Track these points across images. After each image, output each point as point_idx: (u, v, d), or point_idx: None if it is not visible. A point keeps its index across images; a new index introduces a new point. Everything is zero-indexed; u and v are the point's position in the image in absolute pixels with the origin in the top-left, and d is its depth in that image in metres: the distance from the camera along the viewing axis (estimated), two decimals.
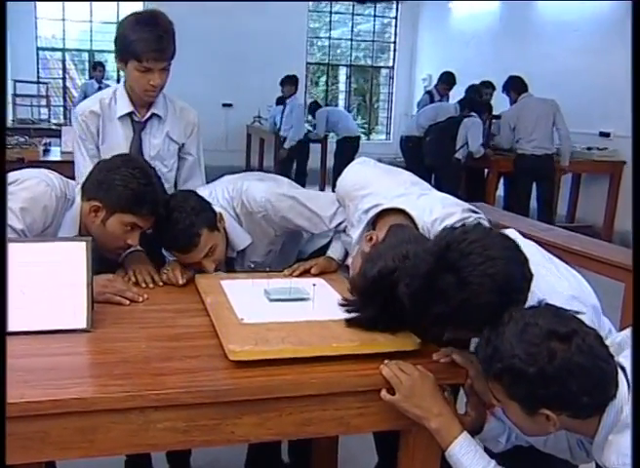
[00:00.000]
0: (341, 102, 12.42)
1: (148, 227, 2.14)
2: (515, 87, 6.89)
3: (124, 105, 2.49)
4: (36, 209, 2.00)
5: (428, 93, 8.36)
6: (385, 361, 1.56)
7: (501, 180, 7.52)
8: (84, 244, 1.79)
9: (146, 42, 2.30)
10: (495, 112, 7.50)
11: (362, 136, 10.83)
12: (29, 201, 1.99)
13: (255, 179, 2.45)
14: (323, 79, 12.70)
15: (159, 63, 2.35)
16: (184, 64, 11.05)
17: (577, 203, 8.00)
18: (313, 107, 9.64)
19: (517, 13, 9.25)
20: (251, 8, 10.81)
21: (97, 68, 9.92)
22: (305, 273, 2.19)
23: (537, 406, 1.30)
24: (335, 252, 2.29)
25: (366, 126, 12.68)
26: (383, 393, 1.54)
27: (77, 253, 1.78)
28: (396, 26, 12.09)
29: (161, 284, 2.16)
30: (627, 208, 5.25)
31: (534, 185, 6.91)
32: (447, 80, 8.24)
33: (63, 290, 1.75)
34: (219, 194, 2.35)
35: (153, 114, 2.52)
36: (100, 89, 9.61)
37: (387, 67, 12.21)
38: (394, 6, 12.07)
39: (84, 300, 1.76)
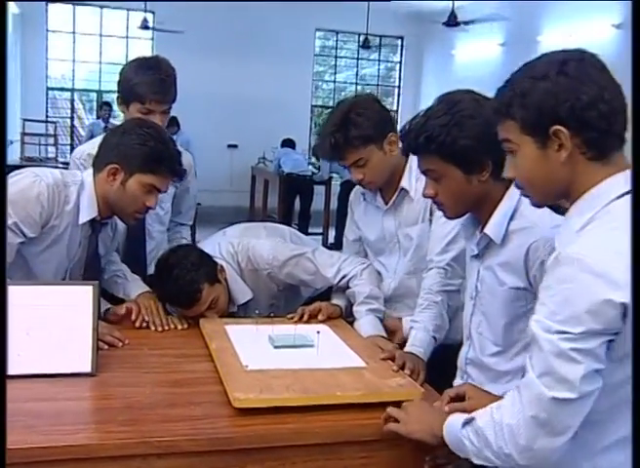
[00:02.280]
0: None
1: (165, 190, 2.14)
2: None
3: None
4: (28, 201, 1.95)
5: None
6: (384, 415, 1.55)
7: None
8: (90, 288, 1.80)
9: (149, 85, 2.35)
10: None
11: None
12: (17, 194, 1.93)
13: (259, 233, 2.48)
14: None
15: (161, 106, 2.39)
16: (191, 105, 11.24)
17: None
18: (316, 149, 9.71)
19: (520, 60, 9.31)
20: (258, 51, 11.01)
21: (103, 108, 10.05)
22: (311, 319, 2.19)
23: (550, 123, 1.22)
24: (338, 301, 2.30)
25: None
26: (386, 426, 1.52)
27: (83, 297, 1.79)
28: (400, 71, 12.28)
29: (167, 328, 2.17)
30: None
31: None
32: None
33: (69, 333, 1.76)
34: (222, 248, 2.36)
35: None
36: (106, 128, 9.74)
37: (392, 111, 12.34)
38: (399, 51, 12.28)
39: (89, 344, 1.76)
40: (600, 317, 1.11)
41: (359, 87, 12.55)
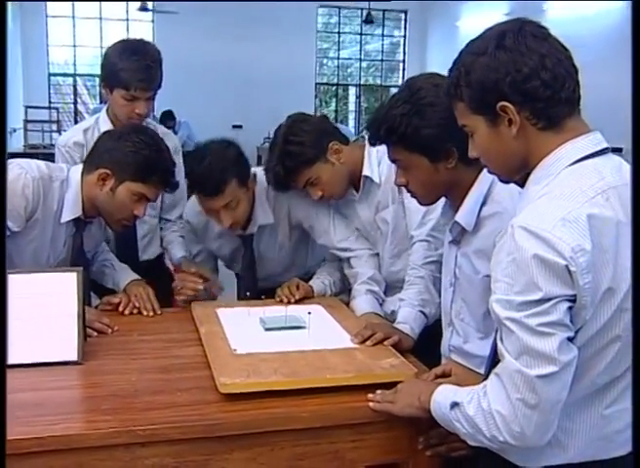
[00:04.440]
0: (351, 122, 12.43)
1: (155, 199, 2.13)
2: None
3: None
4: (13, 194, 1.90)
5: None
6: (369, 395, 1.51)
7: None
8: (75, 274, 1.76)
9: (134, 71, 2.27)
10: None
11: None
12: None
13: None
14: (350, 99, 12.76)
15: (146, 93, 2.32)
16: (194, 87, 11.22)
17: None
18: None
19: None
20: (260, 29, 10.89)
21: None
22: (304, 299, 2.16)
23: (495, 99, 1.20)
24: (319, 279, 2.30)
25: None
26: (372, 404, 1.49)
27: (68, 284, 1.75)
28: (405, 46, 12.12)
29: (159, 312, 2.14)
30: None
31: None
32: None
33: (54, 321, 1.72)
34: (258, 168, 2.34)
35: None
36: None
37: (397, 86, 12.21)
38: (402, 25, 12.11)
39: (75, 332, 1.72)
40: (554, 280, 1.09)
41: (364, 63, 12.41)
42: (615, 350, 1.17)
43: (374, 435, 1.52)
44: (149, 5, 10.09)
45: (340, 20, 11.79)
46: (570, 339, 1.12)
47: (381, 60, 12.22)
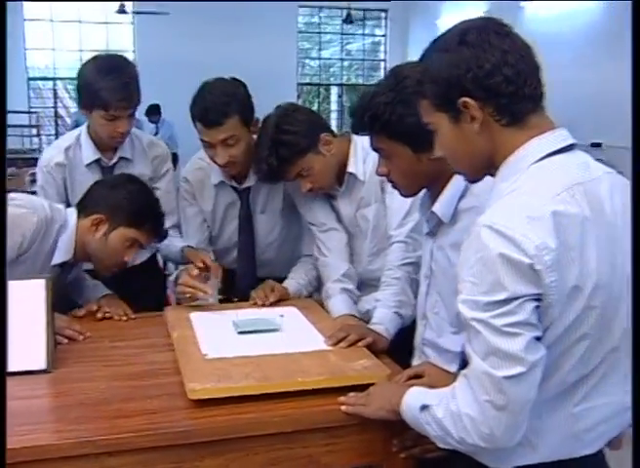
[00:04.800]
0: (334, 122, 12.42)
1: (146, 247, 2.14)
2: None
3: (90, 152, 2.41)
4: (12, 231, 1.86)
5: None
6: (341, 398, 1.49)
7: None
8: (43, 282, 1.74)
9: (113, 91, 2.21)
10: None
11: None
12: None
13: None
14: (332, 98, 12.74)
15: (126, 111, 2.27)
16: (175, 89, 11.05)
17: None
18: None
19: None
20: (241, 30, 10.86)
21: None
22: (279, 301, 2.14)
23: (458, 95, 1.18)
24: (294, 279, 2.28)
25: None
26: (344, 407, 1.47)
27: (37, 292, 1.73)
28: (386, 45, 12.12)
29: (133, 316, 2.11)
30: None
31: None
32: None
33: (23, 329, 1.69)
34: None
35: (121, 158, 2.45)
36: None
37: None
38: (383, 24, 12.12)
39: (44, 340, 1.70)
40: (520, 279, 1.07)
41: (346, 62, 12.40)
42: (583, 348, 1.15)
43: (347, 438, 1.50)
44: (127, 7, 10.01)
45: (320, 20, 11.78)
46: (538, 339, 1.11)
47: (362, 60, 12.22)
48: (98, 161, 2.43)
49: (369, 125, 1.59)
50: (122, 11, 9.66)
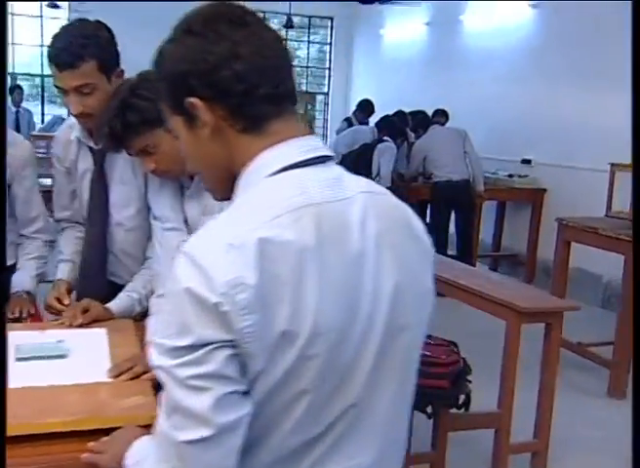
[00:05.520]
0: None
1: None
2: (422, 124, 6.92)
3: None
4: None
5: (347, 120, 8.11)
6: (90, 444, 1.28)
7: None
8: None
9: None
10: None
11: None
12: None
13: None
14: None
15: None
16: None
17: (502, 231, 7.88)
18: None
19: (444, 40, 9.19)
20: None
21: (15, 91, 9.52)
22: (93, 322, 1.92)
23: (182, 94, 0.99)
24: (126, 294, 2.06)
25: None
26: (83, 456, 1.26)
27: None
28: (330, 52, 11.98)
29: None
30: (549, 236, 5.14)
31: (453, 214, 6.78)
32: (365, 108, 8.02)
33: None
34: None
35: None
36: (17, 113, 9.25)
37: (323, 93, 12.08)
38: (328, 32, 11.98)
39: None
40: (207, 321, 0.87)
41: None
42: (303, 407, 0.93)
43: None
44: (63, 4, 9.68)
45: None
46: (245, 393, 0.90)
47: (307, 67, 12.06)
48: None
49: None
50: (54, 5, 9.33)
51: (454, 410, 3.09)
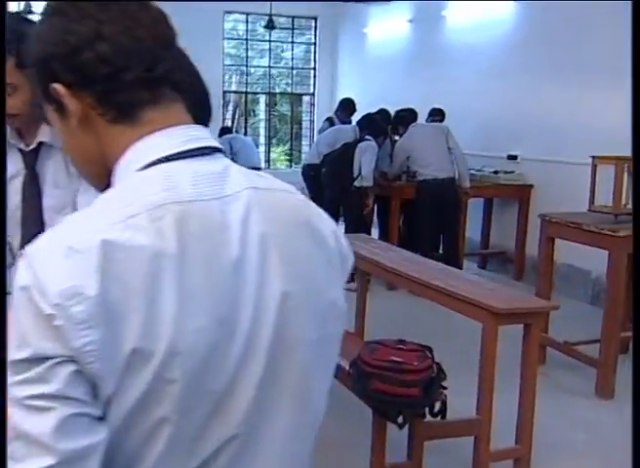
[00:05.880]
0: (262, 131, 12.11)
1: None
2: (403, 121, 6.78)
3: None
4: None
5: (329, 119, 7.96)
6: None
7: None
8: None
9: None
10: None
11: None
12: None
13: None
14: (261, 107, 12.48)
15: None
16: None
17: (490, 228, 7.76)
18: (221, 133, 9.22)
19: (427, 36, 9.09)
20: None
21: None
22: None
23: (47, 79, 0.88)
24: None
25: (289, 154, 12.39)
26: None
27: None
28: (315, 53, 11.87)
29: None
30: (536, 233, 5.03)
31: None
32: (346, 107, 7.88)
33: None
34: None
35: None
36: None
37: (309, 94, 11.95)
38: (313, 32, 11.87)
39: None
40: (45, 333, 0.74)
41: (277, 70, 12.11)
42: (164, 437, 0.80)
43: None
44: (31, 8, 9.56)
45: (247, 27, 11.45)
46: (100, 418, 0.77)
47: (292, 68, 11.93)
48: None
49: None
50: (29, 11, 9.22)
51: (430, 418, 2.97)
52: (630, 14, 2.83)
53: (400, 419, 2.75)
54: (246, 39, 11.58)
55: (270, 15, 9.67)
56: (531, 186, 7.11)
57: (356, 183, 6.46)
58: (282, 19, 11.44)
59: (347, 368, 2.98)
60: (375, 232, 7.49)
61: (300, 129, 12.11)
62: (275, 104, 12.84)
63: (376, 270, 4.07)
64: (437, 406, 2.95)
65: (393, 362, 2.78)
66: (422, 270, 3.69)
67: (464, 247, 7.46)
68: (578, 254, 5.68)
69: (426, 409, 2.91)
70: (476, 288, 3.36)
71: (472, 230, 7.69)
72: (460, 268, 6.75)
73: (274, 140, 12.53)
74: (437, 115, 7.21)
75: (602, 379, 4.16)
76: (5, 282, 1.31)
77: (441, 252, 6.80)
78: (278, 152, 13.03)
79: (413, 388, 2.67)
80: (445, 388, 2.95)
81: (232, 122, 13.34)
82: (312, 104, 11.89)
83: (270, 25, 9.55)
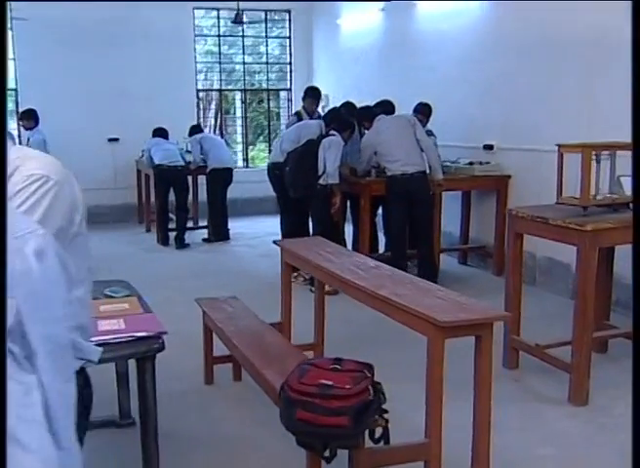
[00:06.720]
0: (239, 129, 11.78)
1: None
2: (366, 117, 6.43)
3: None
4: None
5: (296, 114, 7.54)
6: None
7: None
8: None
9: None
10: None
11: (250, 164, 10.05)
12: None
13: None
14: (237, 104, 12.15)
15: None
16: (64, 100, 10.39)
17: (469, 222, 7.46)
18: (191, 132, 8.91)
19: (400, 25, 8.76)
20: (132, 36, 10.20)
21: None
22: None
23: None
24: None
25: (269, 151, 12.07)
26: None
27: None
28: (291, 47, 11.54)
29: None
30: None
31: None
32: (312, 96, 7.46)
33: None
34: None
35: None
36: None
37: (285, 89, 11.62)
38: (287, 26, 11.54)
39: None
40: None
41: (247, 66, 11.77)
42: None
43: None
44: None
45: (219, 23, 11.11)
46: None
47: (267, 63, 11.59)
48: None
49: None
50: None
51: (372, 445, 2.69)
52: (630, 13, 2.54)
53: (327, 453, 2.45)
54: (218, 36, 11.24)
55: (238, 10, 9.34)
56: (508, 177, 6.80)
57: (321, 181, 6.15)
58: (255, 14, 11.14)
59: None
60: (349, 229, 7.21)
61: (279, 125, 11.78)
62: (252, 102, 12.53)
63: (323, 276, 3.78)
64: (378, 431, 2.67)
65: (322, 386, 2.48)
66: (370, 277, 3.40)
67: (443, 242, 7.17)
68: (557, 247, 5.38)
69: (366, 436, 2.63)
70: (425, 296, 3.06)
71: (451, 224, 7.39)
72: (436, 268, 6.46)
73: (251, 138, 12.20)
74: (421, 112, 6.84)
75: (575, 384, 3.87)
76: (5, 287, 1.13)
77: (415, 251, 6.49)
78: (257, 150, 12.73)
79: (341, 416, 2.38)
80: (386, 412, 2.66)
81: (215, 121, 13.04)
82: (289, 100, 11.56)
83: (239, 20, 9.22)
